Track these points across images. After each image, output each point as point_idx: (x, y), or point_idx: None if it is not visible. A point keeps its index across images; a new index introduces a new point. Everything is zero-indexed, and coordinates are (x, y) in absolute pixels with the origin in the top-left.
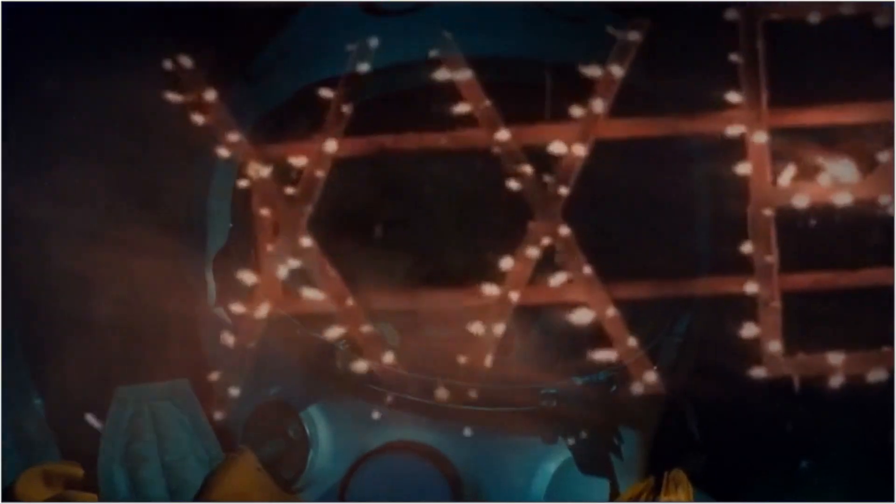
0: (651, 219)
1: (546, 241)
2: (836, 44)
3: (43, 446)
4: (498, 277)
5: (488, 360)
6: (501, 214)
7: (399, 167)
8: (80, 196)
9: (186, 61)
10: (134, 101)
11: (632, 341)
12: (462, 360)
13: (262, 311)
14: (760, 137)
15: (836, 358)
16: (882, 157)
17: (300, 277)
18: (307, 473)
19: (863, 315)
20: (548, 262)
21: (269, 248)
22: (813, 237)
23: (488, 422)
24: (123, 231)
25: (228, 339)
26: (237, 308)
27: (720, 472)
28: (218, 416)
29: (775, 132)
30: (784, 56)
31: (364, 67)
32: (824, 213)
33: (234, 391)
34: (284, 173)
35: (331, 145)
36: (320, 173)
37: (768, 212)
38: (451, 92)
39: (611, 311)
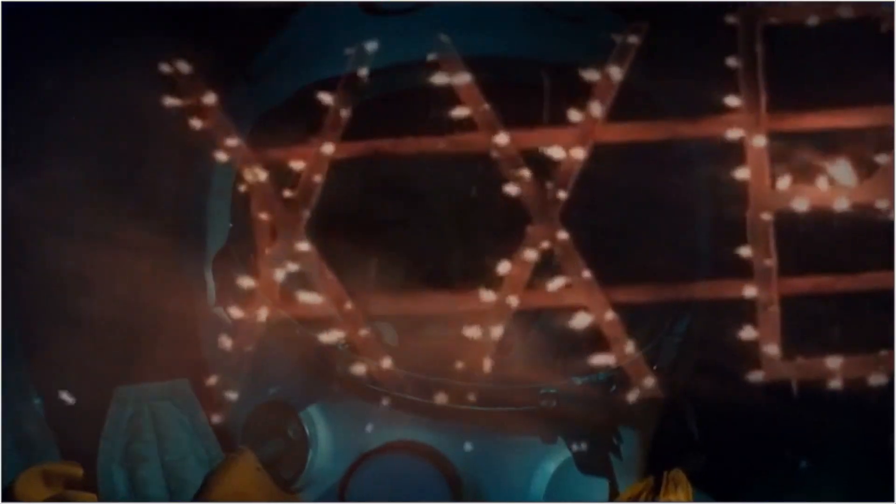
0: (650, 220)
1: (545, 245)
2: (834, 47)
3: (42, 446)
4: (496, 281)
5: (487, 365)
6: (500, 217)
7: (397, 169)
8: (79, 196)
9: (184, 66)
10: (133, 101)
11: (630, 346)
12: (460, 365)
13: (261, 314)
14: (759, 141)
15: (834, 362)
16: (881, 160)
17: (298, 280)
18: (306, 473)
19: (862, 318)
20: (546, 266)
21: (268, 251)
22: (812, 240)
23: (488, 421)
24: (123, 231)
25: (226, 342)
26: (236, 312)
27: (720, 472)
28: (216, 419)
29: (774, 136)
30: (783, 60)
31: (362, 72)
32: (823, 216)
33: (233, 395)
34: (283, 176)
35: (328, 149)
36: (318, 177)
37: (767, 216)
38: (450, 95)
39: (609, 315)
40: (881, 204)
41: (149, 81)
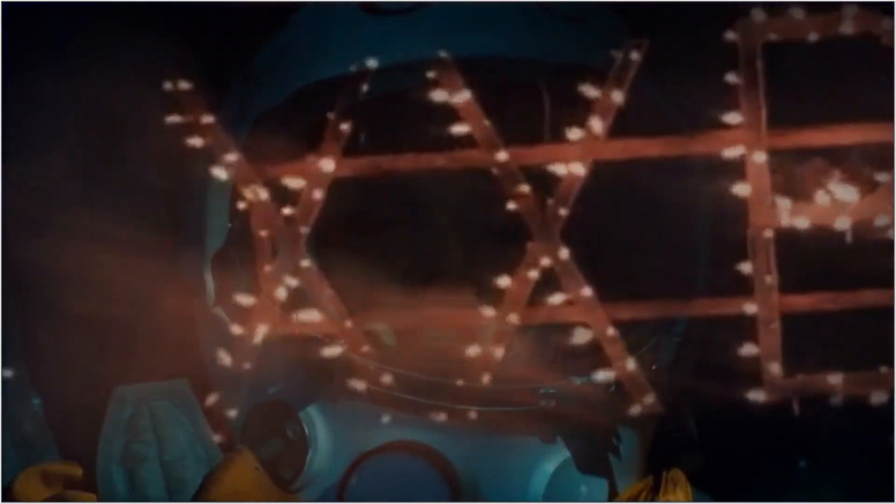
0: (650, 233)
1: (545, 262)
2: (835, 63)
3: (41, 446)
4: (496, 297)
5: (486, 379)
6: (500, 232)
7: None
8: (78, 195)
9: (185, 84)
10: (133, 101)
11: (631, 363)
12: (460, 383)
13: (260, 333)
14: (760, 157)
15: (835, 378)
16: (882, 177)
17: (298, 296)
18: (306, 473)
19: (862, 334)
20: (547, 282)
21: (267, 268)
22: (812, 256)
23: (487, 422)
24: (122, 230)
25: (226, 358)
26: (235, 329)
27: (719, 471)
28: (217, 439)
29: (775, 153)
30: (783, 76)
31: (363, 88)
32: (824, 232)
33: (232, 412)
34: (282, 191)
35: (329, 165)
36: (318, 193)
37: (768, 233)
38: (450, 111)
39: (610, 332)
40: (881, 221)
41: (148, 81)
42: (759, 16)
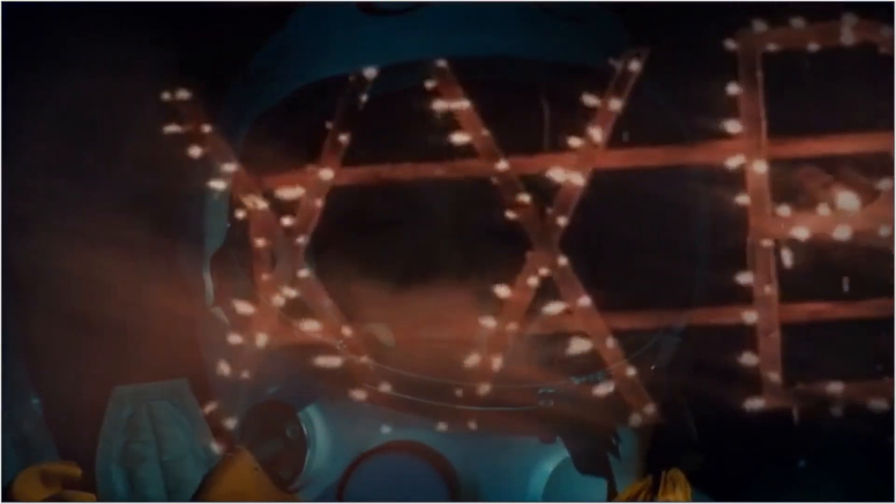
0: (651, 221)
1: (544, 271)
2: (835, 73)
3: (41, 446)
4: (494, 297)
5: (485, 389)
6: (499, 232)
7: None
8: (77, 195)
9: (184, 93)
10: (132, 101)
11: (631, 371)
12: (459, 392)
13: (260, 342)
14: (760, 167)
15: (835, 387)
16: (883, 186)
17: (297, 304)
18: (305, 473)
19: (862, 343)
20: (546, 291)
21: (266, 277)
22: (813, 266)
23: (486, 421)
24: (121, 230)
25: (225, 368)
26: (234, 338)
27: (718, 471)
28: (216, 448)
29: (775, 162)
30: (783, 85)
31: (362, 98)
32: (825, 242)
33: (231, 422)
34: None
35: (328, 175)
36: (318, 203)
37: (768, 242)
38: (450, 119)
39: (609, 342)
40: (884, 231)
41: (147, 81)
42: (759, 25)
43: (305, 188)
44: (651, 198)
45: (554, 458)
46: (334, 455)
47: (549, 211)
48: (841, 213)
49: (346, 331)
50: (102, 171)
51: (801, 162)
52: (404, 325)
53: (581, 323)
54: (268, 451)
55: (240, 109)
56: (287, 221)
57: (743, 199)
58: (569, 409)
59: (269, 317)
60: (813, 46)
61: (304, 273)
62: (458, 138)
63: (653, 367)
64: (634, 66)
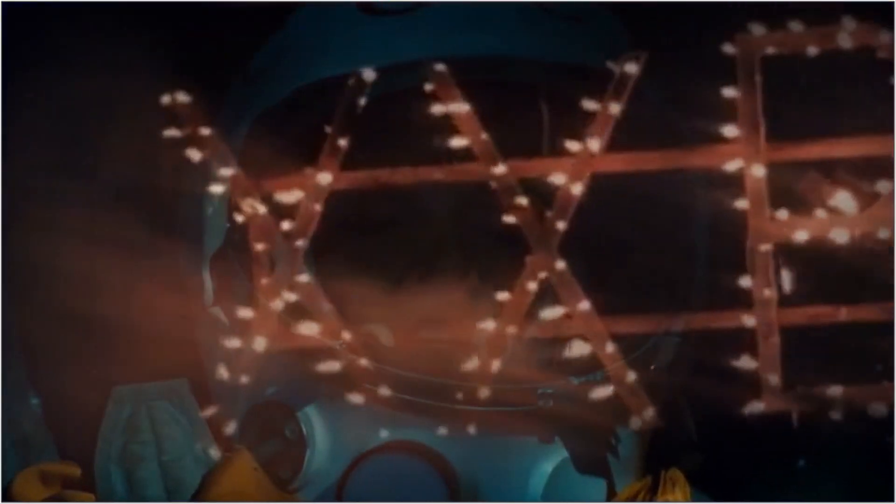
0: (651, 223)
1: (543, 275)
2: (834, 76)
3: (40, 446)
4: (493, 294)
5: (484, 392)
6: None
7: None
8: (77, 195)
9: (183, 96)
10: (131, 101)
11: (631, 375)
12: (459, 395)
13: (258, 346)
14: (758, 171)
15: (835, 391)
16: (882, 190)
17: (297, 307)
18: (304, 473)
19: (862, 346)
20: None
21: (264, 281)
22: (812, 269)
23: (485, 422)
24: (120, 230)
25: (224, 372)
26: (233, 343)
27: (717, 471)
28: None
29: (774, 166)
30: (782, 89)
31: (362, 101)
32: (824, 245)
33: (230, 427)
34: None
35: (326, 179)
36: (317, 207)
37: (766, 246)
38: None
39: (609, 347)
40: (883, 234)
41: (146, 81)
42: (757, 29)
43: (304, 192)
44: (651, 200)
45: (553, 458)
46: (334, 455)
47: (549, 215)
48: (840, 217)
49: (346, 335)
50: (102, 170)
51: (801, 166)
52: (403, 326)
53: (580, 327)
54: (267, 451)
55: (240, 109)
56: (286, 225)
57: (741, 203)
58: (568, 409)
59: (268, 321)
60: (811, 50)
61: (303, 277)
62: (457, 142)
63: (652, 367)
64: (632, 69)
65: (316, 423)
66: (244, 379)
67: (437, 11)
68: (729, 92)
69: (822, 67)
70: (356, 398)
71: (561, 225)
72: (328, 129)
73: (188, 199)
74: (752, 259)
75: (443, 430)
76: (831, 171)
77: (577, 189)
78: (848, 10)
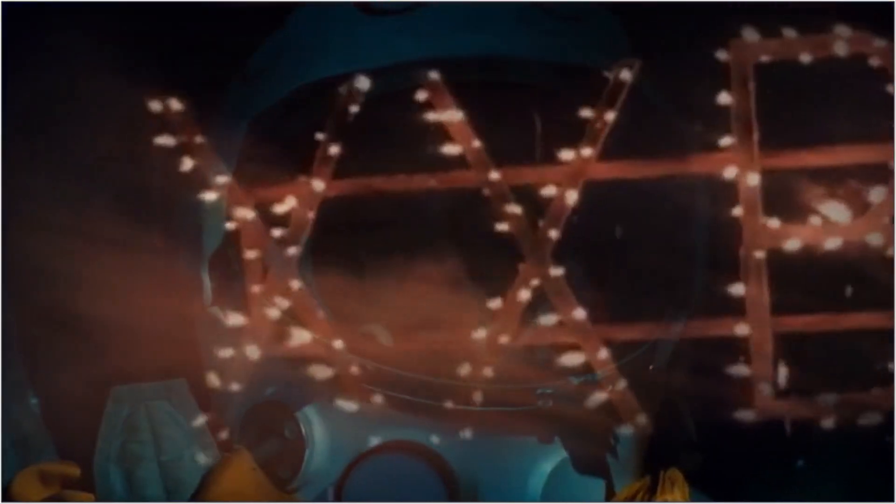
0: (649, 221)
1: (536, 283)
2: (830, 84)
3: (40, 446)
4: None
5: (478, 397)
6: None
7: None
8: (76, 196)
9: (176, 104)
10: (130, 102)
11: (622, 382)
12: (449, 404)
13: (251, 354)
14: (753, 179)
15: (828, 399)
16: (875, 198)
17: (289, 314)
18: (303, 473)
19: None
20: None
21: (256, 289)
22: (807, 277)
23: (484, 422)
24: (120, 231)
25: (215, 381)
26: (225, 351)
27: (716, 471)
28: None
29: (768, 174)
30: (777, 97)
31: (354, 109)
32: (818, 253)
33: (224, 434)
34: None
35: (319, 186)
36: (310, 214)
37: (760, 254)
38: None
39: (602, 354)
40: (874, 241)
41: (146, 82)
42: (751, 36)
43: (298, 199)
44: (649, 201)
45: (552, 458)
46: (333, 455)
47: (541, 223)
48: (833, 225)
49: (339, 343)
50: (101, 170)
51: (796, 174)
52: (401, 327)
53: (574, 335)
54: (266, 450)
55: (239, 109)
56: (279, 233)
57: (736, 211)
58: (567, 409)
59: (261, 328)
60: (805, 58)
61: (296, 284)
62: (450, 149)
63: (651, 367)
64: (627, 76)
65: (315, 424)
66: (235, 386)
67: (436, 11)
68: (723, 98)
69: (816, 75)
70: (349, 406)
71: (553, 234)
72: (319, 137)
73: (187, 200)
74: (745, 267)
75: (441, 431)
76: (827, 180)
77: (571, 197)
78: (842, 11)
